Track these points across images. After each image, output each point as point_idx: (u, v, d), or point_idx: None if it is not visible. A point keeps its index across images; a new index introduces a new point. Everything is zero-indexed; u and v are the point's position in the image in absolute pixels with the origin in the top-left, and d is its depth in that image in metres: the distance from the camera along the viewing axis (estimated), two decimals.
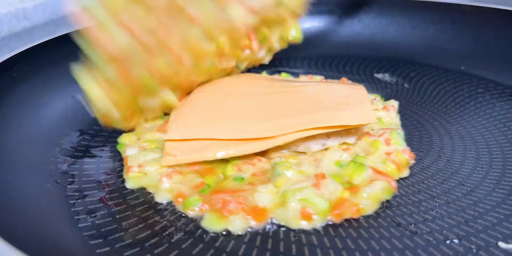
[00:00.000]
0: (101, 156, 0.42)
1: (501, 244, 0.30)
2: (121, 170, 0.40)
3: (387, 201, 0.35)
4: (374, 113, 0.43)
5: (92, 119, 0.48)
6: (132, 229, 0.33)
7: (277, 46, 0.49)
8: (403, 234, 0.32)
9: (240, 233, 0.32)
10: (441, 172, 0.39)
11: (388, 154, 0.38)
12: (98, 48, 0.37)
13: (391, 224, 0.33)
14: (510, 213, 0.33)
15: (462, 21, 0.63)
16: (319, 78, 0.56)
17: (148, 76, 0.38)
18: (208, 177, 0.37)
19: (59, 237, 0.31)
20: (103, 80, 0.38)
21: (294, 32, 0.48)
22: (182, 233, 0.32)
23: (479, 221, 0.32)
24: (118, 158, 0.42)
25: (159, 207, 0.35)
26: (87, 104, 0.40)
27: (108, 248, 0.31)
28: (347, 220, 0.33)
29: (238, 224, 0.32)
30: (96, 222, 0.33)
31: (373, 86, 0.57)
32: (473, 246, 0.30)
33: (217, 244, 0.31)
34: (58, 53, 0.50)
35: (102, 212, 0.34)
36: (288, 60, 0.65)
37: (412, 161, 0.40)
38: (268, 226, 0.33)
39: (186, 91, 0.44)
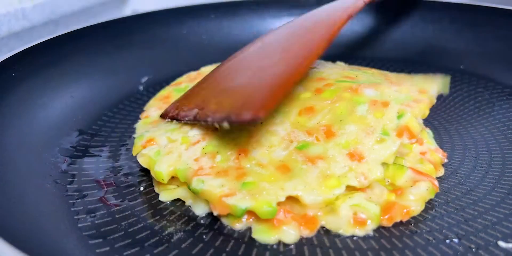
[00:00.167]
0: (100, 156, 0.42)
1: (501, 243, 0.30)
2: (121, 170, 0.40)
3: None
4: None
5: (91, 119, 0.48)
6: (131, 229, 0.33)
7: None
8: (402, 233, 0.32)
9: (292, 243, 0.31)
10: None
11: (422, 153, 0.38)
12: None
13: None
14: (510, 212, 0.33)
15: (462, 20, 0.63)
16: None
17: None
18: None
19: (59, 237, 0.31)
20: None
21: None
22: (182, 233, 0.32)
23: (479, 220, 0.32)
24: (118, 158, 0.42)
25: (158, 207, 0.35)
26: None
27: (107, 248, 0.30)
28: None
29: (292, 234, 0.31)
30: (96, 222, 0.33)
31: None
32: (472, 245, 0.30)
33: (216, 244, 0.31)
34: (58, 53, 0.50)
35: (102, 211, 0.34)
36: None
37: (445, 160, 0.40)
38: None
39: None
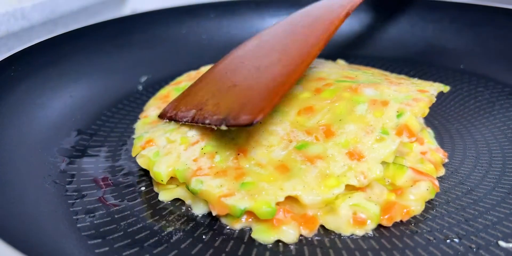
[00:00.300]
0: (99, 156, 0.42)
1: (502, 243, 0.30)
2: (120, 170, 0.40)
3: None
4: None
5: (90, 118, 0.48)
6: (131, 229, 0.32)
7: None
8: (403, 233, 0.32)
9: (291, 243, 0.31)
10: None
11: (423, 153, 0.38)
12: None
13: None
14: (510, 212, 0.33)
15: (462, 19, 0.63)
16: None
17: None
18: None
19: (58, 237, 0.30)
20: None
21: None
22: (181, 233, 0.32)
23: (479, 220, 0.32)
24: (117, 157, 0.42)
25: (158, 207, 0.35)
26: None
27: (107, 248, 0.30)
28: None
29: (292, 233, 0.31)
30: (95, 222, 0.33)
31: None
32: (473, 245, 0.30)
33: (216, 244, 0.31)
34: (57, 53, 0.50)
35: (101, 212, 0.34)
36: None
37: (446, 159, 0.40)
38: None
39: None
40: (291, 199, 0.31)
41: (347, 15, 0.39)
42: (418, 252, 0.30)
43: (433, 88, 0.39)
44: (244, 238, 0.32)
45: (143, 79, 0.57)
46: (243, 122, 0.29)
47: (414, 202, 0.33)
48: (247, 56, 0.41)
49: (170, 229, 0.33)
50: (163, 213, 0.34)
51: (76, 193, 0.36)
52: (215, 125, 0.33)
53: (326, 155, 0.33)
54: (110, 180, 0.38)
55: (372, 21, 0.69)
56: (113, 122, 0.48)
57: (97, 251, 0.30)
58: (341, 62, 0.55)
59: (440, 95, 0.53)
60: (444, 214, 0.33)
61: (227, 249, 0.31)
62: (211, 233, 0.32)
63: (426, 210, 0.34)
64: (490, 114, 0.47)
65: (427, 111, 0.36)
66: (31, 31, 0.66)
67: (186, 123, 0.38)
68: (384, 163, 0.33)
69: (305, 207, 0.31)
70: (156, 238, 0.32)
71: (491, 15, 0.60)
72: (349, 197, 0.32)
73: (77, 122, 0.47)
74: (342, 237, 0.31)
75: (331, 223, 0.32)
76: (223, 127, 0.31)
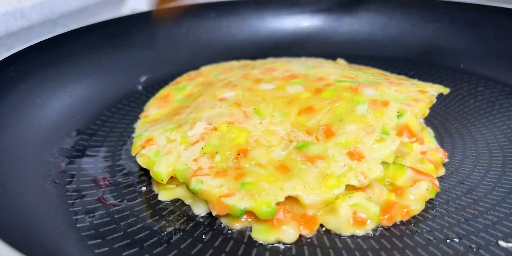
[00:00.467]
0: (99, 156, 0.42)
1: (502, 243, 0.30)
2: (120, 170, 0.40)
3: None
4: None
5: (90, 118, 0.48)
6: (130, 229, 0.32)
7: None
8: (403, 233, 0.32)
9: (291, 243, 0.31)
10: None
11: (423, 153, 0.38)
12: None
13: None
14: (510, 211, 0.33)
15: (462, 19, 0.63)
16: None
17: None
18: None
19: (58, 237, 0.30)
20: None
21: None
22: (181, 233, 0.32)
23: (480, 219, 0.32)
24: (117, 157, 0.42)
25: (158, 207, 0.35)
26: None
27: (106, 248, 0.30)
28: None
29: (292, 233, 0.31)
30: (95, 222, 0.33)
31: None
32: (473, 245, 0.30)
33: (216, 244, 0.31)
34: (56, 53, 0.50)
35: (101, 212, 0.34)
36: None
37: (446, 159, 0.40)
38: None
39: None
40: (291, 199, 0.31)
41: None
42: (418, 252, 0.30)
43: (433, 89, 0.39)
44: (244, 238, 0.32)
45: (143, 79, 0.57)
46: None
47: (414, 202, 0.33)
48: None
49: (170, 229, 0.33)
50: (163, 213, 0.34)
51: (76, 193, 0.36)
52: None
53: (326, 155, 0.33)
54: (109, 180, 0.38)
55: (372, 21, 0.69)
56: (112, 122, 0.48)
57: (96, 251, 0.30)
58: (341, 61, 0.55)
59: (440, 94, 0.53)
60: (444, 214, 0.33)
61: (227, 249, 0.31)
62: (211, 233, 0.32)
63: (426, 210, 0.34)
64: (490, 113, 0.47)
65: (427, 111, 0.36)
66: (30, 31, 0.66)
67: None
68: (384, 163, 0.33)
69: (305, 207, 0.31)
70: (156, 238, 0.32)
71: (491, 15, 0.60)
72: (349, 197, 0.32)
73: (76, 122, 0.47)
74: (342, 237, 0.31)
75: (331, 223, 0.32)
76: None
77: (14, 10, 0.62)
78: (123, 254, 0.30)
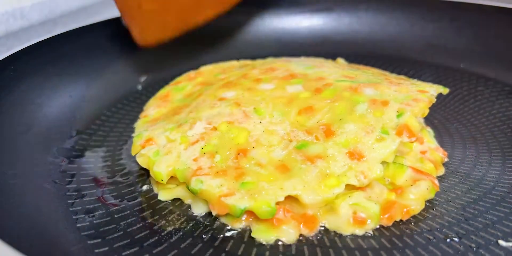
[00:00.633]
0: (99, 156, 0.42)
1: (501, 242, 0.30)
2: (120, 170, 0.40)
3: None
4: None
5: (89, 118, 0.48)
6: (130, 229, 0.32)
7: None
8: (403, 232, 0.32)
9: (291, 242, 0.31)
10: None
11: (423, 152, 0.38)
12: None
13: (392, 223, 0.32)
14: (510, 211, 0.33)
15: (462, 19, 0.63)
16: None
17: None
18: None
19: (57, 237, 0.30)
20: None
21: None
22: (181, 233, 0.32)
23: (479, 219, 0.32)
24: (116, 157, 0.42)
25: (157, 206, 0.35)
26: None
27: (106, 248, 0.30)
28: None
29: (292, 233, 0.31)
30: (95, 221, 0.33)
31: None
32: (473, 245, 0.30)
33: (216, 243, 0.31)
34: (56, 53, 0.50)
35: (101, 211, 0.34)
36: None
37: (446, 159, 0.40)
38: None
39: None
40: (291, 199, 0.31)
41: None
42: (418, 251, 0.30)
43: (433, 89, 0.39)
44: (244, 238, 0.32)
45: (143, 79, 0.57)
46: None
47: (414, 201, 0.33)
48: None
49: (170, 228, 0.33)
50: (163, 213, 0.34)
51: (76, 193, 0.36)
52: None
53: (326, 154, 0.33)
54: (109, 179, 0.38)
55: (371, 20, 0.69)
56: (112, 122, 0.48)
57: (96, 251, 0.30)
58: (341, 61, 0.55)
59: (440, 94, 0.53)
60: (444, 213, 0.33)
61: (227, 249, 0.31)
62: (211, 232, 0.32)
63: (426, 209, 0.34)
64: (490, 113, 0.47)
65: (427, 111, 0.36)
66: (30, 30, 0.66)
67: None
68: (384, 162, 0.33)
69: (305, 206, 0.31)
70: (156, 237, 0.32)
71: (491, 14, 0.60)
72: (349, 196, 0.32)
73: (76, 122, 0.47)
74: (342, 237, 0.31)
75: (331, 223, 0.32)
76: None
77: (14, 10, 0.62)
78: (123, 253, 0.30)
